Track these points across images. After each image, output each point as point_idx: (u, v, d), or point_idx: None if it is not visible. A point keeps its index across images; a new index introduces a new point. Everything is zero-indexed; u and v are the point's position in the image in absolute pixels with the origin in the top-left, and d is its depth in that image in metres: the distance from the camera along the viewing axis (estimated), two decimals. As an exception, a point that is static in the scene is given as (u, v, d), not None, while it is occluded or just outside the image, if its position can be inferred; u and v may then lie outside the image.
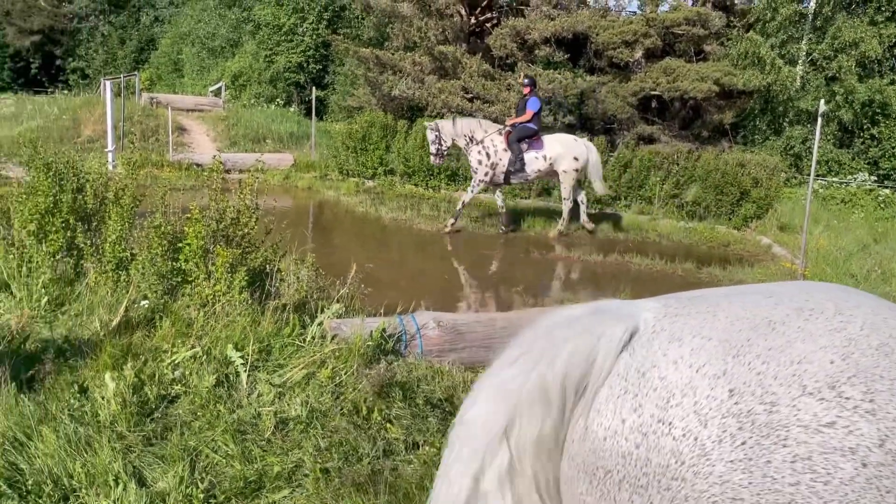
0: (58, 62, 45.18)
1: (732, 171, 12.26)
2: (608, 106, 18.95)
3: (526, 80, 10.85)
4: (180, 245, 4.19)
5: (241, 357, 3.65)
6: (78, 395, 3.35)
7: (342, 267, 5.08)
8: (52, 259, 4.68)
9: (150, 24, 41.53)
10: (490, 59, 19.97)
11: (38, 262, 4.71)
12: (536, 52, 19.55)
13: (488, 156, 10.11)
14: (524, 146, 10.21)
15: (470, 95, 19.20)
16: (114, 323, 4.00)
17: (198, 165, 13.55)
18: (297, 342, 3.92)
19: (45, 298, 4.45)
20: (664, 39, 19.14)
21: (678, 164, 12.96)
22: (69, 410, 3.19)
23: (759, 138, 19.46)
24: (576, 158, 10.29)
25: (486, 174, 10.14)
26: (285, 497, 2.79)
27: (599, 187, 10.90)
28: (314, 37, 25.28)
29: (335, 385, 3.62)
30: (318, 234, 9.88)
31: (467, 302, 6.68)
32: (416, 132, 14.76)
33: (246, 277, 4.06)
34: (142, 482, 2.80)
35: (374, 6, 20.16)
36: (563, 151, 10.27)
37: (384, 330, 3.99)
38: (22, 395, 3.28)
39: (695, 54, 19.81)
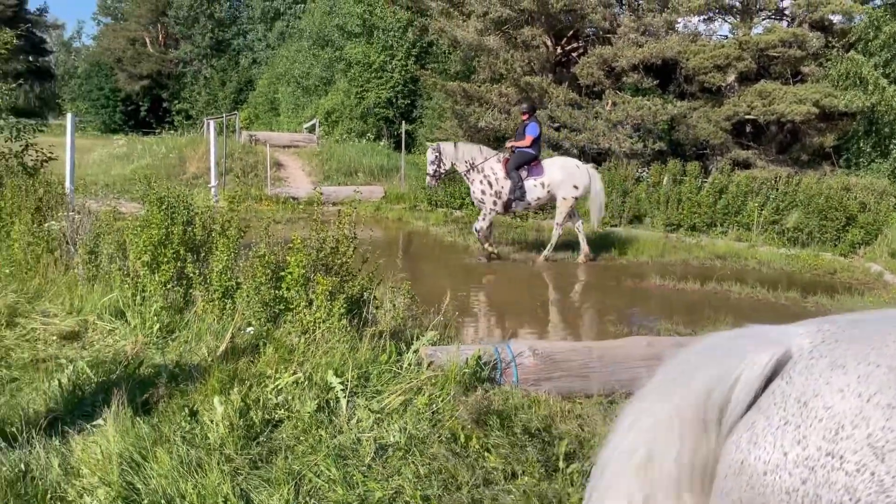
0: (164, 104, 48.15)
1: (837, 196, 11.69)
2: (700, 131, 18.49)
3: (524, 107, 10.59)
4: (282, 274, 4.34)
5: (341, 383, 3.73)
6: (188, 419, 3.49)
7: (432, 295, 5.13)
8: (163, 288, 4.93)
9: (248, 66, 43.73)
10: (577, 87, 19.93)
11: (150, 291, 4.97)
12: (624, 79, 19.38)
13: (491, 185, 9.86)
14: (523, 173, 9.92)
15: (556, 125, 19.18)
16: (220, 349, 4.17)
17: (294, 199, 14.06)
18: (394, 369, 3.97)
19: (157, 325, 4.69)
20: (758, 62, 18.59)
21: (777, 189, 12.47)
22: (181, 433, 3.33)
23: (863, 161, 18.49)
24: (575, 186, 9.95)
25: (493, 203, 9.89)
26: (386, 523, 2.81)
27: (595, 220, 10.49)
28: (403, 73, 25.95)
29: (432, 412, 3.63)
30: (408, 264, 10.03)
31: (559, 331, 6.60)
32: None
33: (345, 305, 4.16)
34: (249, 504, 2.88)
35: (461, 40, 20.51)
36: (564, 178, 9.94)
37: (479, 358, 3.98)
38: (137, 418, 3.45)
39: (791, 76, 19.12)
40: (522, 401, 3.82)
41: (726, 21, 21.00)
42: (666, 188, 13.41)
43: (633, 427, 1.19)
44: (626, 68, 18.71)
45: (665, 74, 20.17)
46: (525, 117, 10.29)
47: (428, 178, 10.28)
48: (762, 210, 12.20)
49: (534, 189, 9.92)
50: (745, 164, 18.33)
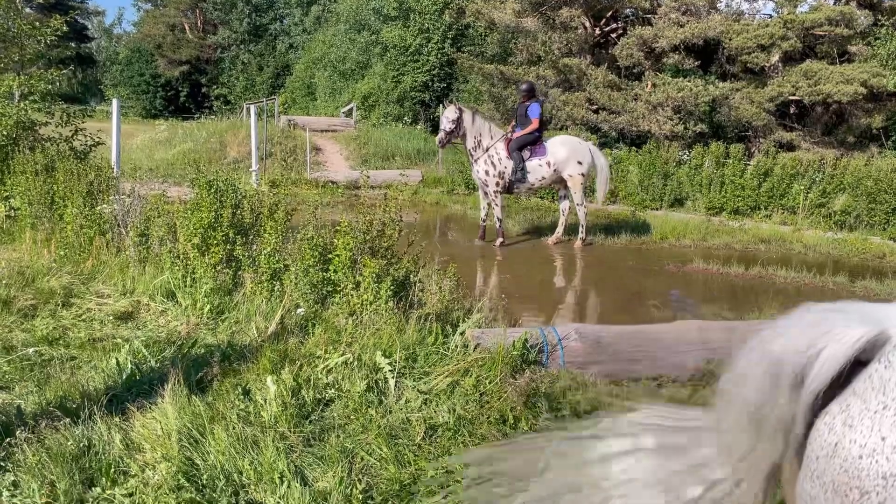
0: (203, 90, 48.72)
1: (887, 178, 11.37)
2: (742, 113, 18.14)
3: (524, 87, 10.26)
4: (330, 256, 4.39)
5: (389, 364, 3.77)
6: (242, 397, 3.57)
7: (471, 279, 5.12)
8: (213, 270, 5.03)
9: (285, 51, 43.99)
10: (616, 69, 19.68)
11: (200, 273, 5.07)
12: (665, 60, 19.08)
13: (494, 165, 9.68)
14: (526, 153, 9.71)
15: (595, 107, 18.98)
16: (270, 330, 4.25)
17: (333, 183, 14.16)
18: (440, 350, 4.00)
19: (208, 307, 4.79)
20: (804, 41, 18.14)
21: (823, 172, 12.18)
22: (236, 411, 3.40)
23: (914, 142, 17.99)
24: (580, 162, 9.73)
25: (497, 184, 9.71)
26: (438, 502, 2.84)
27: (600, 195, 10.31)
28: (439, 56, 25.86)
29: (479, 394, 3.66)
30: (446, 248, 10.04)
31: (602, 315, 6.57)
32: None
33: (391, 287, 4.20)
34: (304, 481, 2.94)
35: (498, 23, 20.36)
36: (568, 155, 9.73)
37: (526, 340, 3.99)
38: (193, 396, 3.53)
39: (838, 56, 18.62)
40: (570, 384, 3.82)
41: (770, 0, 20.49)
42: (708, 171, 13.19)
43: (729, 371, 1.26)
44: (667, 49, 18.40)
45: (707, 55, 19.79)
46: (525, 99, 10.03)
47: (441, 135, 9.86)
48: (808, 193, 11.95)
49: (538, 169, 9.74)
50: (789, 147, 17.96)
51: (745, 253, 9.94)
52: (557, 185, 10.25)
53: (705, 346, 4.12)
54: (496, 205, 9.91)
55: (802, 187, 12.03)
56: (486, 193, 10.08)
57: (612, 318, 6.46)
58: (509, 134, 9.93)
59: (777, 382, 1.09)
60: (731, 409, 1.22)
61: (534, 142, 9.82)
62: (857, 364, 1.04)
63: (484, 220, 10.25)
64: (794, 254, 10.05)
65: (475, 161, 9.89)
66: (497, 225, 9.98)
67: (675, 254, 9.74)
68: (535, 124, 9.71)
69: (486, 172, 9.76)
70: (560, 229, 10.20)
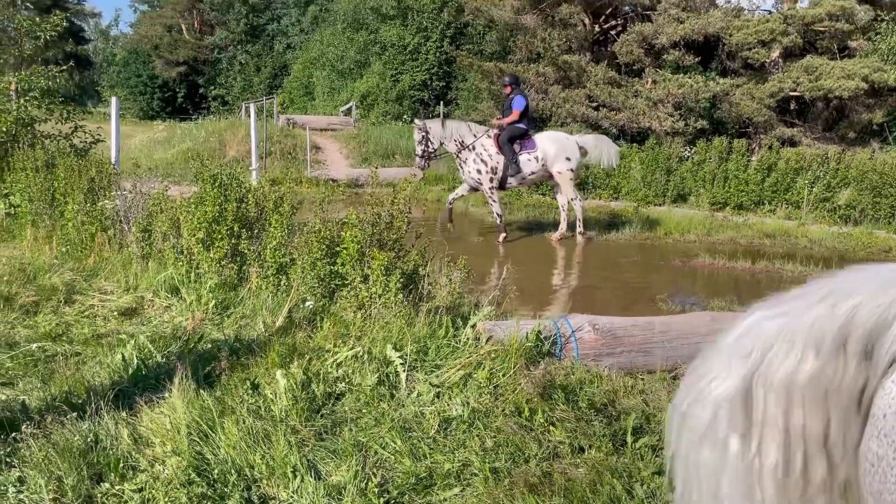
0: (200, 90, 48.61)
1: (893, 172, 11.32)
2: (743, 109, 18.09)
3: (507, 79, 10.20)
4: (338, 249, 4.32)
5: (400, 357, 3.70)
6: (251, 392, 3.50)
7: (478, 274, 5.03)
8: (217, 265, 4.95)
9: (282, 52, 43.89)
10: (616, 66, 19.62)
11: (205, 268, 5.00)
12: (665, 56, 19.03)
13: (485, 162, 9.59)
14: (516, 147, 9.65)
15: (595, 104, 18.92)
16: (278, 324, 4.17)
17: (333, 181, 14.08)
18: (452, 343, 3.93)
19: (213, 302, 4.71)
20: (804, 37, 18.09)
21: (827, 166, 12.13)
22: (246, 405, 3.33)
23: (916, 137, 17.95)
24: (568, 158, 9.65)
25: (490, 180, 9.63)
26: (456, 495, 2.77)
27: (563, 200, 10.21)
28: (438, 54, 25.80)
29: (493, 386, 3.59)
30: (451, 244, 9.95)
31: (610, 309, 6.49)
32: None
33: (400, 280, 4.13)
34: (317, 475, 2.87)
35: (498, 20, 20.31)
36: (556, 151, 9.66)
37: (539, 332, 3.92)
38: (202, 390, 3.46)
39: (839, 51, 18.57)
40: (584, 376, 3.76)
41: (770, -5, 20.44)
42: (712, 166, 13.14)
43: (752, 329, 1.13)
44: (667, 45, 18.36)
45: (707, 51, 19.73)
46: (509, 91, 9.97)
47: (417, 159, 9.90)
48: (812, 187, 11.90)
49: (528, 163, 9.67)
50: (791, 142, 17.90)
51: (750, 247, 9.88)
52: (550, 182, 10.20)
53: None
54: (493, 201, 9.82)
55: (806, 182, 11.99)
56: (477, 190, 10.01)
57: (621, 311, 6.38)
58: (494, 129, 9.85)
59: (844, 348, 1.01)
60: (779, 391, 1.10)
61: (522, 136, 9.75)
62: None
63: (451, 203, 10.15)
64: (799, 248, 10.00)
65: (464, 162, 9.78)
66: (497, 221, 9.90)
67: (681, 249, 9.68)
68: (514, 115, 9.62)
69: (478, 171, 9.68)
70: (563, 226, 10.14)
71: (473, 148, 9.66)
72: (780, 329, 1.07)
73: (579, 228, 9.97)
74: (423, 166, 10.05)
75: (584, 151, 9.96)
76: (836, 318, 1.02)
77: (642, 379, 3.90)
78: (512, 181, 9.80)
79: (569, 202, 9.96)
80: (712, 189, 12.88)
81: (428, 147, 9.72)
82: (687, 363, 4.00)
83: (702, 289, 7.59)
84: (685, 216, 11.68)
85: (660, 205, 13.08)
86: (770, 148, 13.98)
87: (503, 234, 9.80)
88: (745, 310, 1.28)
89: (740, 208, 12.47)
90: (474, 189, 10.02)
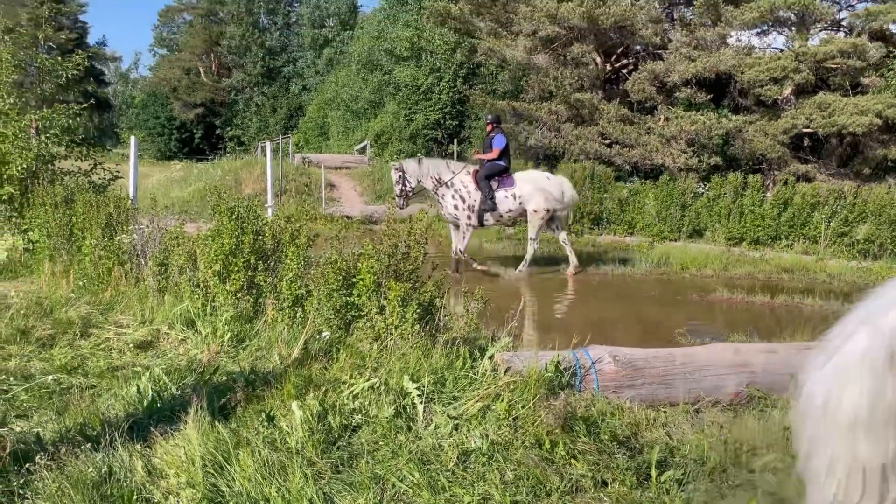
0: (217, 131, 49.40)
1: (910, 207, 11.24)
2: (757, 145, 18.10)
3: (489, 117, 10.40)
4: (354, 280, 4.30)
5: (417, 388, 3.65)
6: (266, 423, 3.44)
7: (494, 307, 4.97)
8: (233, 297, 4.94)
9: (298, 93, 44.59)
10: (628, 103, 19.75)
11: (221, 300, 4.99)
12: (677, 94, 19.14)
13: (463, 199, 9.66)
14: (494, 184, 9.71)
15: (608, 141, 19.01)
16: (293, 355, 4.14)
17: (348, 217, 14.16)
18: (469, 375, 3.87)
19: (229, 335, 4.69)
20: (816, 74, 18.15)
21: (844, 201, 12.06)
22: (261, 437, 3.28)
23: (931, 173, 17.83)
24: (546, 198, 9.72)
25: (468, 217, 9.68)
26: (476, 528, 2.70)
27: (563, 235, 10.28)
28: (451, 94, 26.09)
29: (512, 418, 3.52)
30: (466, 276, 9.93)
31: (629, 343, 6.41)
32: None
33: (417, 311, 4.09)
34: (333, 508, 2.81)
35: (510, 59, 20.55)
36: (533, 190, 9.73)
37: (558, 363, 3.86)
38: (216, 422, 3.42)
39: (851, 87, 18.59)
40: (605, 408, 3.68)
41: (780, 34, 20.58)
42: (727, 201, 13.09)
43: (811, 379, 1.10)
44: (679, 83, 18.48)
45: (719, 88, 19.84)
46: (490, 129, 10.14)
47: (396, 199, 9.96)
48: (829, 222, 11.81)
49: (505, 200, 9.73)
50: (805, 178, 17.84)
51: (768, 282, 9.78)
52: (522, 219, 10.26)
53: (744, 369, 3.97)
54: (464, 237, 9.85)
55: (823, 216, 11.91)
56: (457, 227, 10.03)
57: (639, 345, 6.30)
58: (472, 166, 9.98)
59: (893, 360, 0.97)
60: (828, 412, 1.06)
61: (501, 173, 9.84)
62: None
63: (456, 254, 10.18)
64: (818, 283, 9.88)
65: (441, 198, 9.87)
66: (463, 257, 9.92)
67: (698, 283, 9.59)
68: (495, 153, 9.75)
69: (455, 207, 9.78)
70: (573, 258, 10.10)
71: (452, 184, 9.76)
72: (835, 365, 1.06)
73: (522, 267, 10.00)
74: (401, 206, 10.08)
75: (561, 192, 10.00)
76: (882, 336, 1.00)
77: (664, 411, 3.82)
78: (489, 217, 9.87)
79: (529, 240, 10.06)
80: (728, 224, 12.82)
81: (405, 186, 9.88)
82: (710, 396, 3.92)
83: (721, 323, 7.48)
84: (701, 251, 11.61)
85: (675, 240, 13.02)
86: (785, 183, 13.91)
87: (483, 266, 9.84)
88: (763, 341, 1.25)
89: (757, 243, 12.39)
90: (457, 226, 10.04)
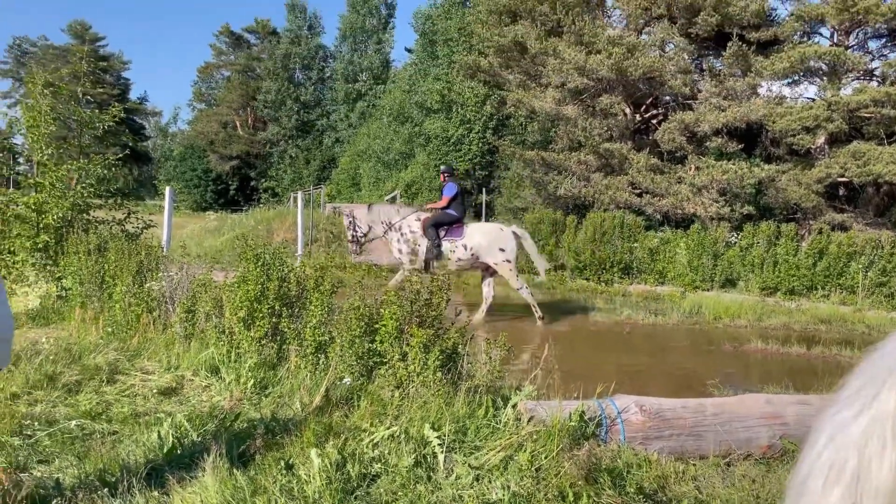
0: (252, 183, 50.44)
1: (952, 256, 10.94)
2: (790, 194, 17.87)
3: (442, 168, 10.49)
4: (376, 326, 4.28)
5: (438, 437, 3.57)
6: (285, 471, 3.40)
7: (518, 354, 4.92)
8: (257, 344, 4.94)
9: (331, 145, 45.50)
10: (658, 153, 19.72)
11: (245, 347, 5.00)
12: (707, 143, 19.07)
13: (407, 242, 9.71)
14: (442, 233, 9.70)
15: (639, 190, 18.94)
16: (315, 403, 4.10)
17: (377, 266, 14.21)
18: (492, 424, 3.79)
19: (252, 381, 4.68)
20: (849, 123, 17.97)
21: (882, 250, 11.78)
22: (279, 485, 3.23)
23: (973, 222, 17.40)
24: (502, 249, 9.60)
25: (410, 261, 9.66)
26: (495, 584, 2.60)
27: (541, 269, 10.30)
28: (480, 144, 26.38)
29: (535, 469, 3.42)
30: (491, 324, 9.84)
31: (659, 392, 6.25)
32: (586, 227, 14.65)
33: (439, 357, 4.04)
34: (349, 559, 2.73)
35: (539, 111, 20.74)
36: (487, 243, 9.63)
37: (583, 413, 3.76)
38: (235, 470, 3.38)
39: (886, 136, 18.36)
40: (632, 460, 3.57)
41: (812, 83, 20.51)
42: (760, 251, 12.88)
43: (833, 441, 1.01)
44: (709, 133, 18.43)
45: (750, 137, 19.74)
46: (443, 179, 10.27)
47: (349, 245, 10.10)
48: (867, 272, 11.52)
49: (453, 251, 9.72)
50: (842, 228, 17.53)
51: (804, 333, 9.52)
52: (483, 271, 10.15)
53: (776, 421, 3.83)
54: (401, 273, 9.69)
55: (861, 266, 11.63)
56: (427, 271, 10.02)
57: (670, 395, 6.14)
58: (422, 212, 10.07)
59: None
60: (862, 480, 0.98)
61: (451, 222, 9.85)
62: None
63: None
64: (857, 334, 9.59)
65: (390, 242, 9.99)
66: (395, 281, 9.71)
67: (731, 334, 9.38)
68: (444, 201, 9.86)
69: (400, 251, 9.85)
70: (483, 308, 9.93)
71: (399, 228, 9.86)
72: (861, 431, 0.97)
73: (537, 314, 9.85)
74: (353, 251, 10.20)
75: (519, 242, 9.98)
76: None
77: (694, 464, 3.68)
78: (435, 265, 9.82)
79: (519, 292, 9.97)
80: (762, 274, 12.58)
81: (357, 231, 10.00)
82: (742, 448, 3.78)
83: (755, 374, 7.27)
84: (734, 301, 11.38)
85: (707, 290, 12.80)
86: (820, 232, 13.67)
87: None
88: (800, 393, 1.16)
89: (792, 293, 12.13)
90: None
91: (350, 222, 10.05)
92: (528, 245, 10.10)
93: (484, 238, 9.77)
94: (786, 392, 5.98)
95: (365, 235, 10.08)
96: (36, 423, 4.08)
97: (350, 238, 10.10)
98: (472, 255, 9.77)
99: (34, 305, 7.84)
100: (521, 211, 20.96)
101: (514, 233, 10.01)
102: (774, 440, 3.75)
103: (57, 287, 7.80)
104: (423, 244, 9.71)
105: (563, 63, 19.06)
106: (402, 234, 9.85)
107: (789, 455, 3.71)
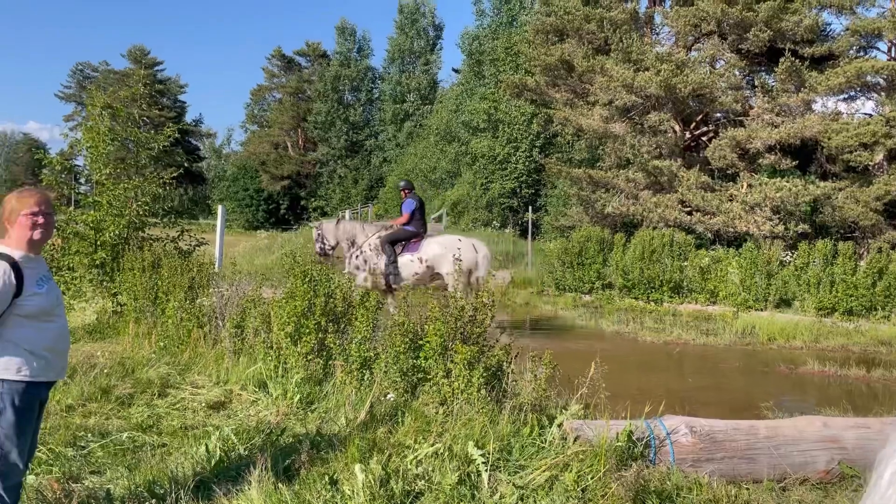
0: (302, 202, 51.33)
1: None
2: (847, 212, 17.34)
3: (402, 184, 10.49)
4: (420, 343, 4.28)
5: (482, 455, 3.54)
6: (329, 487, 3.41)
7: (565, 372, 4.84)
8: (304, 359, 4.99)
9: (379, 165, 46.06)
10: (708, 170, 19.37)
11: (292, 362, 5.05)
12: (760, 160, 18.67)
13: (365, 261, 9.65)
14: (398, 248, 9.59)
15: (689, 208, 18.62)
16: (359, 418, 4.11)
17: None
18: (537, 442, 3.74)
19: (298, 396, 4.72)
20: (909, 138, 17.38)
21: (946, 269, 11.31)
22: (322, 500, 3.24)
23: None
24: (459, 259, 9.26)
25: (364, 279, 9.52)
26: None
27: (482, 275, 9.66)
28: (527, 163, 26.35)
29: (581, 490, 3.36)
30: (537, 344, 9.74)
31: (711, 414, 6.08)
32: (634, 245, 14.45)
33: (483, 375, 4.02)
34: (391, 577, 2.72)
35: (586, 129, 20.61)
36: (442, 252, 9.42)
37: (631, 433, 3.69)
38: (280, 484, 3.40)
39: (948, 153, 17.71)
40: (682, 483, 3.47)
41: (869, 98, 19.94)
42: (817, 270, 12.49)
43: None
44: (762, 150, 18.04)
45: (804, 154, 19.26)
46: (404, 195, 10.26)
47: (318, 257, 10.14)
48: (931, 292, 11.07)
49: (409, 265, 9.60)
50: (903, 247, 16.91)
51: (864, 355, 9.18)
52: (437, 282, 9.99)
53: (834, 445, 3.69)
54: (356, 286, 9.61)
55: (924, 286, 11.18)
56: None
57: (721, 418, 5.97)
58: (384, 230, 10.00)
59: None
60: None
61: (409, 238, 9.79)
62: None
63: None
64: (921, 356, 9.20)
65: (348, 258, 9.98)
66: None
67: (786, 355, 9.10)
68: (404, 217, 9.86)
69: (357, 267, 9.80)
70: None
71: (360, 246, 9.88)
72: None
73: (392, 307, 9.66)
74: (321, 260, 10.08)
75: (475, 253, 9.77)
76: None
77: (747, 488, 3.57)
78: (395, 281, 9.72)
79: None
80: (818, 293, 12.18)
81: (325, 245, 10.11)
82: (798, 473, 3.65)
83: (812, 397, 7.03)
84: (790, 321, 11.05)
85: (761, 310, 12.46)
86: (879, 251, 13.19)
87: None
88: (860, 417, 1.12)
89: (850, 314, 11.71)
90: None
91: (318, 235, 10.25)
92: (480, 257, 9.87)
93: (440, 248, 9.74)
94: (844, 415, 5.76)
95: (333, 248, 10.27)
96: (89, 435, 4.19)
97: (318, 250, 10.27)
98: (427, 266, 9.71)
99: (90, 320, 8.09)
100: (569, 229, 20.79)
101: (473, 245, 9.95)
102: (832, 465, 3.61)
103: (112, 302, 8.02)
104: (381, 262, 9.75)
105: (611, 81, 18.94)
106: (361, 252, 9.94)
107: (848, 480, 3.57)
